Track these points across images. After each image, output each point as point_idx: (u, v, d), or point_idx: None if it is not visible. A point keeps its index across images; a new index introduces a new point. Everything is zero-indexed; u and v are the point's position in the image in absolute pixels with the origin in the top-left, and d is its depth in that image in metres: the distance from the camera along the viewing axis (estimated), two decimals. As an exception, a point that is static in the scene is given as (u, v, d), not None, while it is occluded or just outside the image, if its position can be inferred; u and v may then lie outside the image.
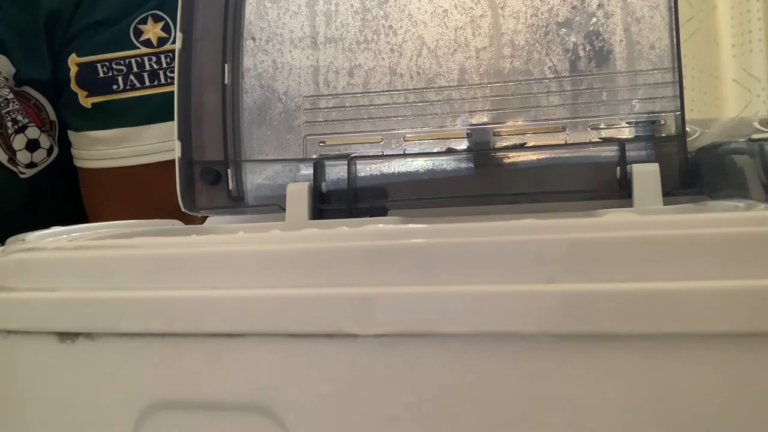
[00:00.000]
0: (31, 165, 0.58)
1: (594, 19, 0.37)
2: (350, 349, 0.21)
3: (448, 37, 0.39)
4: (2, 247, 0.26)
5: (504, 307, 0.20)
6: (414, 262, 0.21)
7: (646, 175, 0.34)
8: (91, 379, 0.23)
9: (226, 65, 0.40)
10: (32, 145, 0.57)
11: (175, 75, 0.40)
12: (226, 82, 0.40)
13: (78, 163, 0.59)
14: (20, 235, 0.27)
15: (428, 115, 0.39)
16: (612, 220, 0.22)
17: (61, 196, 0.62)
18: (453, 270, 0.21)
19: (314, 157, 0.40)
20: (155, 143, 0.57)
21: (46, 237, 0.28)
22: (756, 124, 0.38)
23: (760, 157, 0.31)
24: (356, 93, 0.40)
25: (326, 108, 0.40)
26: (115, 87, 0.56)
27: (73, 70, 0.55)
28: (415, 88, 0.39)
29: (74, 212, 0.62)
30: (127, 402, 0.23)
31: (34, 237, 0.27)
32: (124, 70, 0.56)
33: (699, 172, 0.35)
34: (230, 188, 0.41)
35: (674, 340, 0.19)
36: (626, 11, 0.37)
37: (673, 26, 0.36)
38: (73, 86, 0.56)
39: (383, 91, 0.40)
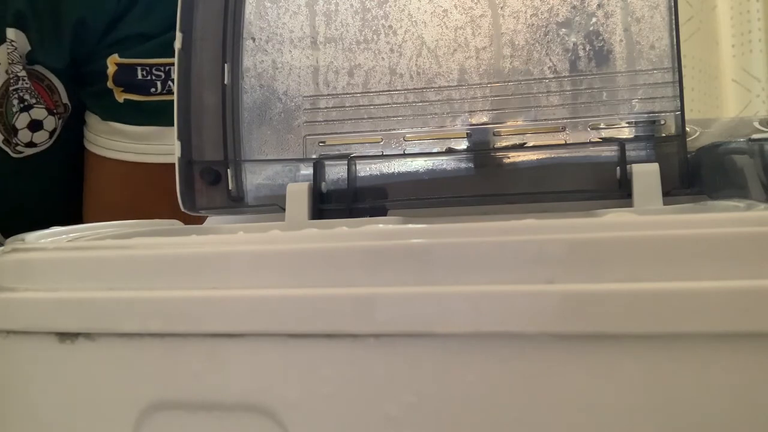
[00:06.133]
0: (30, 144, 0.58)
1: (594, 19, 0.37)
2: (350, 349, 0.21)
3: (448, 37, 0.39)
4: (2, 248, 0.26)
5: (504, 307, 0.20)
6: (414, 262, 0.21)
7: (646, 175, 0.34)
8: (91, 379, 0.23)
9: (225, 65, 0.40)
10: (35, 126, 0.58)
11: (175, 75, 0.40)
12: (225, 82, 0.40)
13: (92, 149, 0.60)
14: (20, 235, 0.27)
15: (428, 115, 0.39)
16: (612, 220, 0.22)
17: (49, 180, 0.62)
18: (453, 270, 0.21)
19: (314, 157, 0.40)
20: None
21: (46, 237, 0.28)
22: (756, 124, 0.38)
23: (760, 157, 0.31)
24: (356, 93, 0.40)
25: (326, 108, 0.40)
26: (152, 90, 0.57)
27: (112, 68, 0.57)
28: (415, 88, 0.39)
29: (59, 196, 0.62)
30: (127, 402, 0.23)
31: (33, 237, 0.27)
32: (163, 76, 0.57)
33: (699, 172, 0.35)
34: (230, 188, 0.41)
35: (674, 340, 0.19)
36: (626, 11, 0.37)
37: (673, 26, 0.36)
38: (110, 83, 0.57)
39: (383, 91, 0.40)
